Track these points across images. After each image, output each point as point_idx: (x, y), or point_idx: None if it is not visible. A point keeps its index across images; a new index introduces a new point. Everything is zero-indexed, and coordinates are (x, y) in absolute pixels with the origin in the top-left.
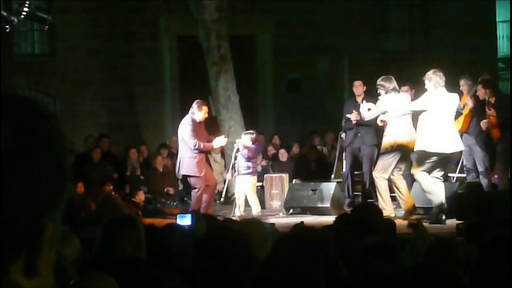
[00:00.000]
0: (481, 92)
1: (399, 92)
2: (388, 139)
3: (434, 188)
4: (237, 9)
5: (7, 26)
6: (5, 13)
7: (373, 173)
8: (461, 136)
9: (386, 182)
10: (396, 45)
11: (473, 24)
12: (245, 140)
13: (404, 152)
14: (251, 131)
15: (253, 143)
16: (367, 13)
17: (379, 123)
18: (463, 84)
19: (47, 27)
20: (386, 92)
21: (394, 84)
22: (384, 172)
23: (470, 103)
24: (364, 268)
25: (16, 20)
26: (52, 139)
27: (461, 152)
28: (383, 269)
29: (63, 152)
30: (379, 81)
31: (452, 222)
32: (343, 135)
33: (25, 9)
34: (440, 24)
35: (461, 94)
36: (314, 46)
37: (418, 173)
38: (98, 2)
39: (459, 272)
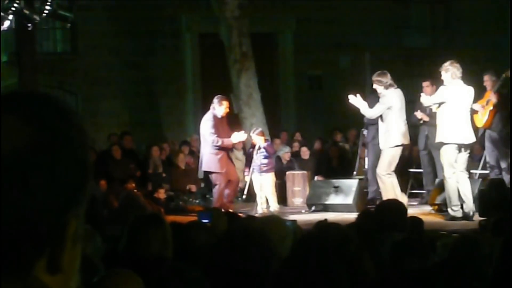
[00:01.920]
0: None
1: (395, 86)
2: (394, 135)
3: (463, 190)
4: (258, 7)
5: (29, 25)
6: (27, 12)
7: (379, 171)
8: (484, 132)
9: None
10: (417, 42)
11: (495, 20)
12: (258, 138)
13: (403, 147)
14: (255, 128)
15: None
16: (389, 9)
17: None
18: (487, 79)
19: (69, 25)
20: (385, 88)
21: (389, 78)
22: (389, 168)
23: (493, 99)
24: (393, 264)
25: (38, 18)
26: (73, 136)
27: (483, 149)
28: (412, 265)
29: (84, 150)
30: (375, 78)
31: (475, 218)
32: (365, 131)
33: (47, 7)
34: (462, 20)
35: (484, 89)
36: (336, 43)
37: (448, 177)
38: (120, 0)
39: (484, 268)
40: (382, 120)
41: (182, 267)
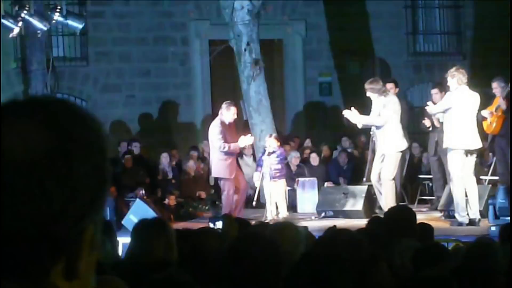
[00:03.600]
0: None
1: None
2: (400, 140)
3: (470, 195)
4: (268, 13)
5: (38, 31)
6: (37, 18)
7: (386, 177)
8: (493, 138)
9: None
10: (427, 48)
11: (505, 26)
12: (274, 143)
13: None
14: (270, 133)
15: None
16: (398, 15)
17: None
18: (496, 86)
19: (79, 32)
20: (379, 94)
21: (381, 84)
22: (394, 173)
23: (503, 105)
24: (415, 271)
25: (48, 25)
26: (92, 142)
27: (493, 155)
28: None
29: (103, 156)
30: (369, 85)
31: (485, 224)
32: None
33: (58, 14)
34: (472, 26)
35: (494, 96)
36: (345, 49)
37: (456, 183)
38: (129, 7)
39: (496, 275)
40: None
41: (171, 273)
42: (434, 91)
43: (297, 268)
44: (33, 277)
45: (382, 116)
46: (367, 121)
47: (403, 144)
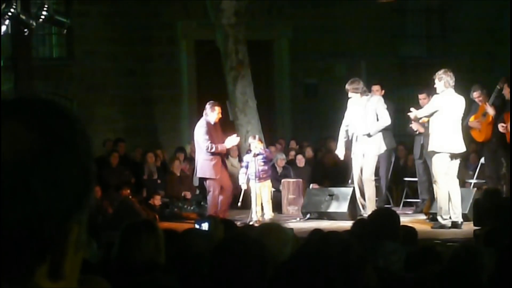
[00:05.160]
0: (507, 92)
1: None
2: (380, 145)
3: (453, 198)
4: (255, 14)
5: (25, 30)
6: (23, 17)
7: (369, 177)
8: (483, 145)
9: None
10: (413, 51)
11: (491, 30)
12: (258, 145)
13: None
14: (254, 135)
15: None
16: (385, 18)
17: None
18: (479, 95)
19: (65, 31)
20: (361, 94)
21: (362, 84)
22: (373, 174)
23: (490, 111)
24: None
25: (34, 23)
26: (77, 142)
27: (479, 158)
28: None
29: (88, 156)
30: (351, 86)
31: (469, 227)
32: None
33: (44, 12)
34: (458, 29)
35: (477, 105)
36: (332, 51)
37: (440, 186)
38: (116, 7)
39: (483, 279)
40: (366, 125)
41: (155, 276)
42: (422, 96)
43: (284, 269)
44: (17, 277)
45: (383, 117)
46: (378, 128)
47: (383, 146)
